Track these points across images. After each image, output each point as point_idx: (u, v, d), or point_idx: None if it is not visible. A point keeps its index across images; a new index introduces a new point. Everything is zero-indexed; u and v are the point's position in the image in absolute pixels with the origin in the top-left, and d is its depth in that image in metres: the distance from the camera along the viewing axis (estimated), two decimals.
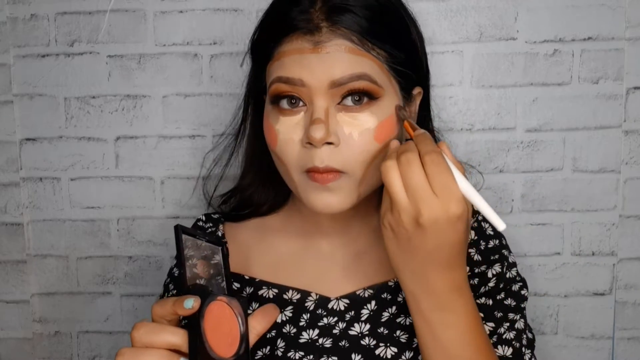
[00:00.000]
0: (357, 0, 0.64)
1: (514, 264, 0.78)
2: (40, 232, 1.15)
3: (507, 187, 1.10)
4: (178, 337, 0.54)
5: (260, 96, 0.74)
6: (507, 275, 0.75)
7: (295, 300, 0.73)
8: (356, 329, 0.71)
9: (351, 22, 0.63)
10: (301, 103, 0.65)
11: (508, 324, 0.71)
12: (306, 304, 0.73)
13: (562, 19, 1.05)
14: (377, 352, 0.69)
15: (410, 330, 0.70)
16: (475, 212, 0.78)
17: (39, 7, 1.09)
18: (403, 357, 0.69)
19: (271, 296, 0.74)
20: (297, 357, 0.69)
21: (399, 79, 0.67)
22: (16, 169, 1.13)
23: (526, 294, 0.76)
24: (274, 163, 0.71)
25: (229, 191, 0.86)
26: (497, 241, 0.78)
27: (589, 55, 1.06)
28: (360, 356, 0.69)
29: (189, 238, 0.58)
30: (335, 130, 0.64)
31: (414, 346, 0.69)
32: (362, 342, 0.70)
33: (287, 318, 0.72)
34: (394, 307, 0.72)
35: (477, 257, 0.75)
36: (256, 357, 0.70)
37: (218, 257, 0.61)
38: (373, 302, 0.72)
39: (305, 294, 0.73)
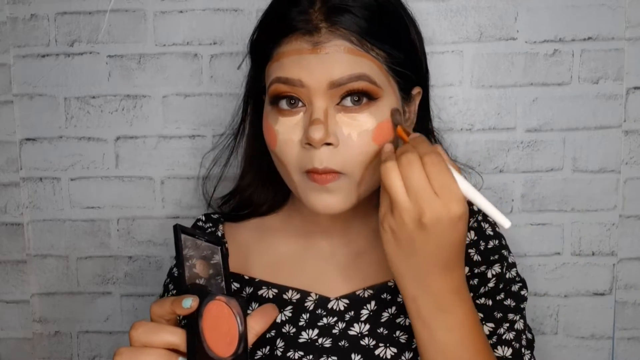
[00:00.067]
0: (356, 1, 0.64)
1: (513, 265, 0.78)
2: (40, 232, 1.15)
3: (507, 187, 1.10)
4: (176, 337, 0.54)
5: (260, 96, 0.74)
6: (507, 276, 0.75)
7: (294, 300, 0.73)
8: (356, 329, 0.71)
9: (350, 23, 0.63)
10: (300, 103, 0.66)
11: (508, 325, 0.71)
12: (306, 304, 0.73)
13: (562, 19, 1.05)
14: (376, 352, 0.69)
15: (410, 330, 0.69)
16: (475, 213, 0.78)
17: (39, 7, 1.09)
18: (403, 357, 0.69)
19: (271, 296, 0.74)
20: (296, 357, 0.69)
21: (398, 80, 0.67)
22: (16, 169, 1.13)
23: (526, 295, 0.76)
24: (273, 163, 0.71)
25: (229, 193, 0.86)
26: (497, 241, 0.77)
27: (589, 55, 1.06)
28: (359, 356, 0.69)
29: (188, 238, 0.58)
30: (334, 131, 0.64)
31: (413, 347, 0.69)
32: (361, 342, 0.70)
33: (287, 318, 0.72)
34: (393, 308, 0.72)
35: (476, 258, 0.75)
36: (256, 357, 0.70)
37: (217, 257, 0.61)
38: (373, 303, 0.72)
39: (305, 294, 0.73)
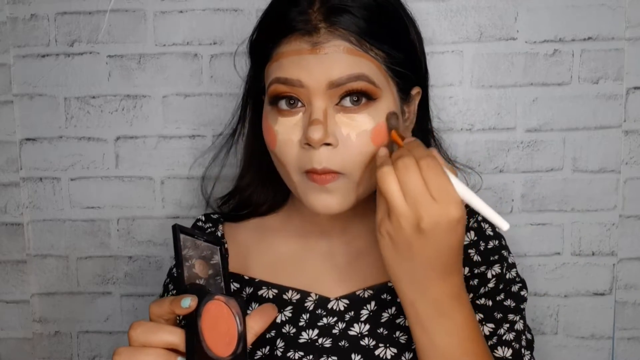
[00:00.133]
0: (355, 1, 0.64)
1: (513, 265, 0.78)
2: (40, 232, 1.15)
3: (507, 187, 1.10)
4: (175, 336, 0.54)
5: (260, 96, 0.74)
6: (507, 276, 0.75)
7: (294, 301, 0.73)
8: (356, 329, 0.71)
9: (349, 23, 0.63)
10: (300, 104, 0.65)
11: (508, 325, 0.71)
12: (306, 304, 0.73)
13: (562, 19, 1.05)
14: (376, 352, 0.69)
15: (410, 331, 0.70)
16: (475, 213, 0.78)
17: (39, 7, 1.09)
18: (403, 358, 0.68)
19: (271, 296, 0.74)
20: (296, 357, 0.69)
21: (397, 80, 0.67)
22: (16, 169, 1.13)
23: (525, 295, 0.76)
24: (273, 163, 0.71)
25: (228, 193, 0.86)
26: (497, 242, 0.77)
27: (589, 55, 1.06)
28: (360, 356, 0.69)
29: (187, 238, 0.58)
30: (333, 131, 0.64)
31: (413, 347, 0.69)
32: (361, 343, 0.70)
33: (287, 318, 0.72)
34: (393, 308, 0.72)
35: (476, 258, 0.75)
36: (255, 357, 0.70)
37: (217, 257, 0.61)
38: (373, 303, 0.72)
39: (304, 294, 0.73)
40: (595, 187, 1.09)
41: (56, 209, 1.14)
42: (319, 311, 0.72)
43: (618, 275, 1.12)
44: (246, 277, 0.76)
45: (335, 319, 0.71)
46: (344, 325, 0.71)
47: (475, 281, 0.73)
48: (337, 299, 0.73)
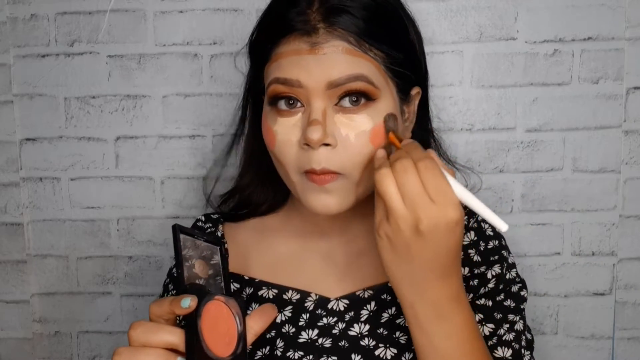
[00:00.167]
0: (354, 1, 0.64)
1: (513, 265, 0.78)
2: (40, 232, 1.15)
3: (507, 187, 1.10)
4: (175, 336, 0.54)
5: (259, 96, 0.74)
6: (507, 276, 0.75)
7: (294, 301, 0.73)
8: (356, 329, 0.71)
9: (348, 23, 0.63)
10: (299, 104, 0.65)
11: (508, 325, 0.71)
12: (306, 304, 0.73)
13: (562, 19, 1.05)
14: (376, 352, 0.69)
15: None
16: (475, 213, 0.78)
17: (39, 7, 1.09)
18: (403, 358, 0.68)
19: (271, 296, 0.74)
20: (296, 357, 0.69)
21: (396, 80, 0.67)
22: (16, 169, 1.13)
23: (525, 295, 0.76)
24: (272, 163, 0.71)
25: (228, 192, 0.86)
26: (497, 242, 0.77)
27: (589, 55, 1.06)
28: (360, 356, 0.69)
29: (187, 238, 0.58)
30: (332, 132, 0.64)
31: (413, 347, 0.69)
32: (361, 343, 0.70)
33: (287, 318, 0.72)
34: (393, 308, 0.72)
35: (476, 258, 0.75)
36: (255, 357, 0.70)
37: (217, 257, 0.61)
38: (373, 303, 0.72)
39: (304, 294, 0.73)
40: (595, 187, 1.09)
41: (56, 209, 1.14)
42: (319, 311, 0.72)
43: (618, 275, 1.12)
44: (246, 277, 0.76)
45: (335, 319, 0.71)
46: (344, 325, 0.71)
47: (475, 281, 0.73)
48: (337, 299, 0.73)
